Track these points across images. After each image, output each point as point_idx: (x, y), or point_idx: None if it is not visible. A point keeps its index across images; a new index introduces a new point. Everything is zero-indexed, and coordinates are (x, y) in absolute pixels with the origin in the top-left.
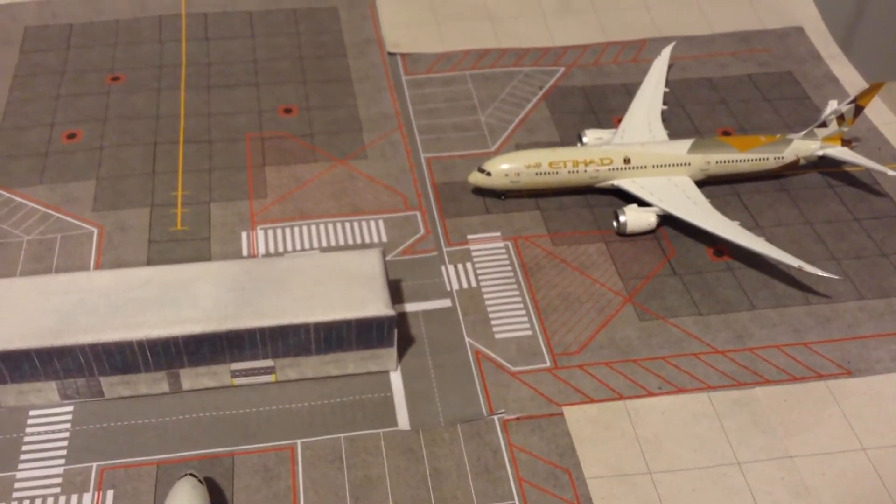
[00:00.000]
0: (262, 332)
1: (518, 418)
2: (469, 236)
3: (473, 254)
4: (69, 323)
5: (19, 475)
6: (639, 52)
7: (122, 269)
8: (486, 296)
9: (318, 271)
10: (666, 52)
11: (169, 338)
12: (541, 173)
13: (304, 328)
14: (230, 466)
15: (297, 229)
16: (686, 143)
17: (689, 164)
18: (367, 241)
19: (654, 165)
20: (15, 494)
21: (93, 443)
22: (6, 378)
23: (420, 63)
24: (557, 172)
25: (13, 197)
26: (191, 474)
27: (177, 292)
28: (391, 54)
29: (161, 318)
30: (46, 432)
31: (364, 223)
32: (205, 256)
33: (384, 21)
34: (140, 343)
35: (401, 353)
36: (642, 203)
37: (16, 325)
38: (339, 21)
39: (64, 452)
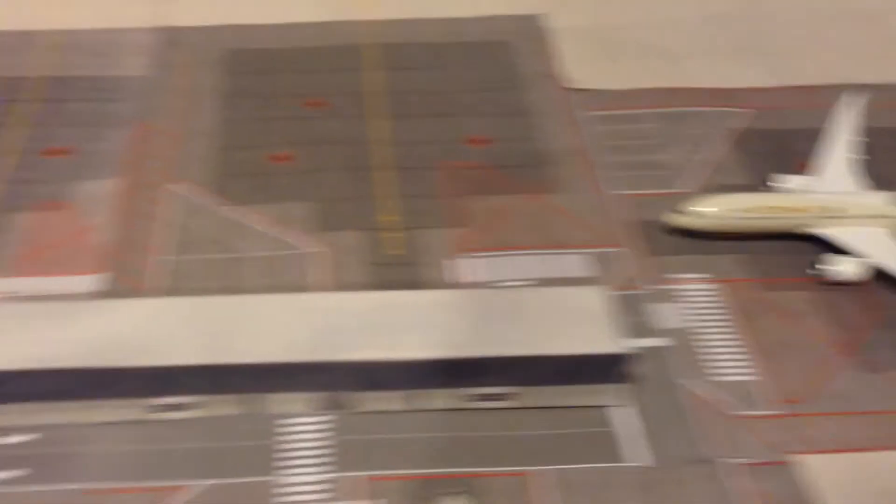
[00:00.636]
0: (501, 361)
1: (750, 464)
2: (672, 275)
3: (680, 294)
4: (324, 340)
5: (283, 480)
6: (822, 98)
7: (363, 291)
8: (697, 337)
9: (545, 304)
10: (856, 101)
11: (418, 361)
12: (743, 218)
13: (540, 360)
14: (474, 485)
15: (501, 259)
16: (888, 196)
17: (893, 217)
18: (571, 275)
19: (855, 216)
20: (283, 500)
21: (354, 453)
22: (269, 387)
23: (599, 99)
24: (759, 217)
25: (237, 216)
26: (462, 492)
27: (416, 317)
28: (569, 89)
29: (407, 342)
30: (306, 440)
31: (566, 257)
32: (420, 281)
33: (561, 56)
34: (391, 363)
35: (621, 389)
36: (844, 252)
37: (275, 338)
38: (515, 55)
39: (327, 460)
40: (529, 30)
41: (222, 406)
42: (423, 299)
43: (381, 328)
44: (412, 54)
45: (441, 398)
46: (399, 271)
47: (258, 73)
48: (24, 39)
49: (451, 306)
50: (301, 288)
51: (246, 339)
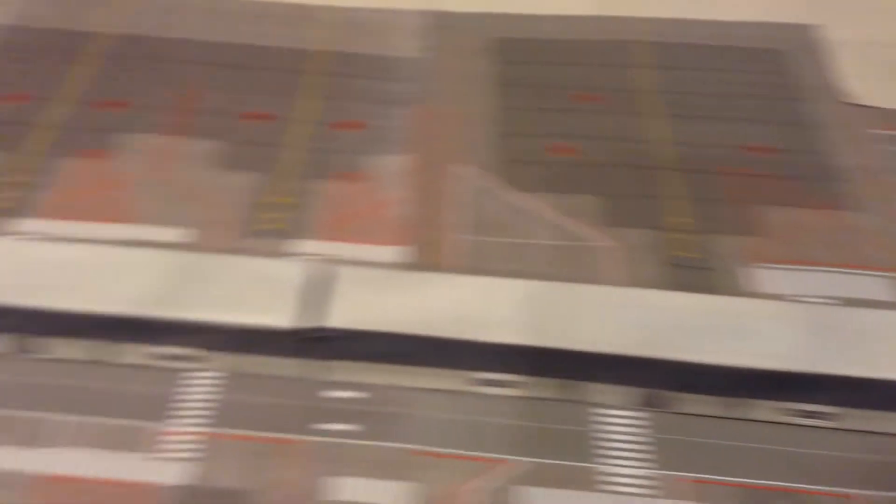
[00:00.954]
0: (831, 380)
1: None
2: None
3: None
4: (646, 336)
5: (604, 469)
6: None
7: (679, 292)
8: None
9: (872, 326)
10: None
11: (742, 368)
12: None
13: (873, 383)
14: (801, 501)
15: (799, 273)
16: None
17: None
18: (875, 297)
19: None
20: (608, 489)
21: (676, 453)
22: (589, 376)
23: (883, 118)
24: None
25: (523, 202)
26: None
27: (737, 324)
28: (849, 104)
29: (732, 348)
30: (624, 433)
31: (868, 278)
32: (715, 287)
33: (838, 70)
34: (715, 368)
35: None
36: None
37: (599, 329)
38: (790, 64)
39: (648, 457)
40: (804, 40)
41: (542, 388)
42: (739, 306)
43: (703, 331)
44: (683, 55)
45: (761, 409)
46: (693, 274)
47: (527, 62)
48: (304, 13)
49: (772, 317)
50: (592, 280)
51: (571, 326)
